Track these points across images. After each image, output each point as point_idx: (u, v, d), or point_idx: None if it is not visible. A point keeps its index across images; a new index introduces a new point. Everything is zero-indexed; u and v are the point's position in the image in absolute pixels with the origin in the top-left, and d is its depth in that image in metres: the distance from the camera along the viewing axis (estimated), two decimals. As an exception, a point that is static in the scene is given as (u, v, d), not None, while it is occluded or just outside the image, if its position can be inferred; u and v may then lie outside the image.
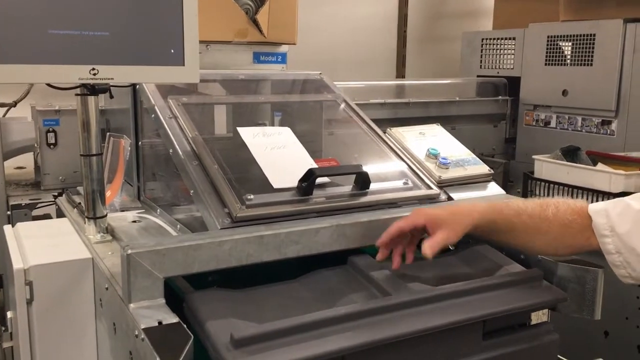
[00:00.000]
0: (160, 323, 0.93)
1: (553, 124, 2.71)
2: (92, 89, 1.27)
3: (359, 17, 3.52)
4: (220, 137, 1.63)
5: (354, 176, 1.31)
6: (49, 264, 1.19)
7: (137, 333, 0.93)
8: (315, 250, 1.16)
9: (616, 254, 1.10)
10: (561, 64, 2.65)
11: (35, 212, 1.90)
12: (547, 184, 2.31)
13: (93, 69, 1.16)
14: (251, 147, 1.33)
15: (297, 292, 1.14)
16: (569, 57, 2.63)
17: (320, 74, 1.81)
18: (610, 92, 2.43)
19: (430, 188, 1.37)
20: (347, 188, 1.30)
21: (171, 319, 0.95)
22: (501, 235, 1.18)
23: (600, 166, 2.23)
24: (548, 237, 1.15)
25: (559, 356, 1.26)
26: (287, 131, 1.43)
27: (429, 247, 1.09)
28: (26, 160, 2.15)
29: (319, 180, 1.25)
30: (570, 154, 2.35)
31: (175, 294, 1.11)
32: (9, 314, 1.32)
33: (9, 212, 1.85)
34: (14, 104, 2.04)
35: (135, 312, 0.97)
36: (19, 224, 1.44)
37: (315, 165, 1.31)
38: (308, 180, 1.23)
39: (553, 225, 1.13)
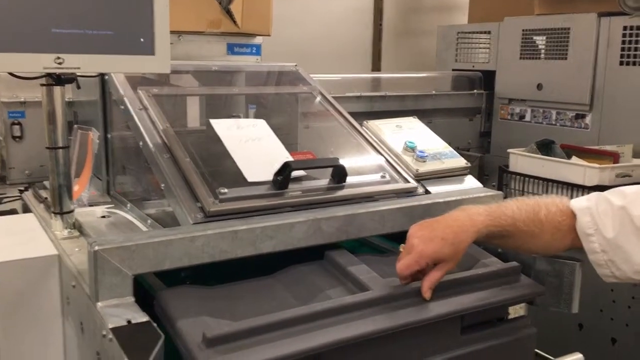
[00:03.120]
0: (129, 322, 0.90)
1: (528, 117, 2.72)
2: (57, 79, 1.22)
3: (334, 10, 3.49)
4: (193, 130, 1.58)
5: (330, 170, 1.28)
6: (13, 261, 1.14)
7: (104, 333, 0.89)
8: (291, 246, 1.13)
9: (601, 253, 1.08)
10: (536, 58, 2.66)
11: (1, 207, 1.83)
12: (522, 178, 2.32)
13: (58, 57, 1.11)
14: (225, 140, 1.29)
15: (272, 289, 1.11)
16: (543, 51, 2.63)
17: (296, 65, 1.78)
18: (584, 86, 2.45)
19: (408, 181, 1.36)
20: (323, 182, 1.28)
21: (141, 317, 0.91)
22: (494, 240, 1.16)
23: (574, 159, 2.24)
24: (540, 240, 1.13)
25: (536, 350, 1.25)
26: (261, 123, 1.39)
27: (428, 289, 1.06)
28: (-9, 154, 2.07)
29: (295, 173, 1.22)
30: (545, 148, 2.36)
31: (146, 291, 1.08)
32: (-29, 314, 1.27)
33: (-28, 208, 1.78)
34: (-22, 96, 1.96)
35: (103, 310, 0.94)
36: (-18, 220, 1.39)
37: (290, 158, 1.28)
38: (283, 174, 1.20)
39: (545, 228, 1.11)
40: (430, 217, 1.27)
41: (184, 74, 1.68)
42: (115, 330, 0.88)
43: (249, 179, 1.20)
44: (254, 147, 1.31)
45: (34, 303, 1.17)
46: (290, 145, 1.38)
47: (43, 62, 1.11)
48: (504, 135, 2.81)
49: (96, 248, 0.95)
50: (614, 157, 2.20)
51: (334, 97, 1.66)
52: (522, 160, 2.34)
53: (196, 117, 1.64)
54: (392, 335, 1.01)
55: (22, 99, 1.83)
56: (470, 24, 3.15)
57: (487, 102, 2.91)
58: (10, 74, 1.18)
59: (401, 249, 1.11)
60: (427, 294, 1.05)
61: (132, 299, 0.97)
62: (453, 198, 1.31)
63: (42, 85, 1.24)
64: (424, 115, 2.53)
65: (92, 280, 0.97)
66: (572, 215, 1.11)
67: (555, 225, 1.11)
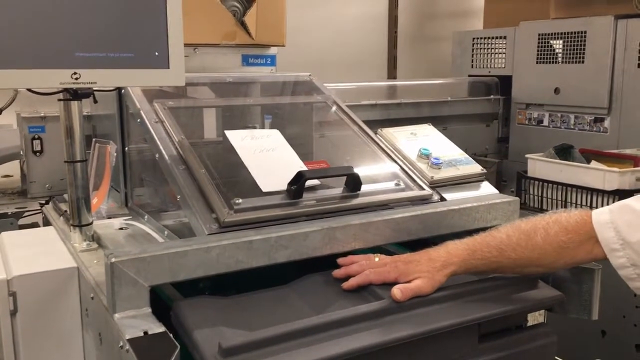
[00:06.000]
0: (145, 333, 0.90)
1: (545, 122, 2.70)
2: (74, 94, 1.24)
3: (349, 19, 3.50)
4: (208, 141, 1.60)
5: (344, 178, 1.28)
6: (33, 274, 1.16)
7: (121, 344, 0.90)
8: (306, 255, 1.13)
9: (631, 267, 1.03)
10: (553, 62, 2.64)
11: (22, 221, 1.86)
12: (540, 183, 2.30)
13: (75, 73, 1.13)
14: (239, 150, 1.30)
15: (287, 298, 1.11)
16: (560, 54, 2.62)
17: (310, 75, 1.79)
18: (602, 89, 2.42)
19: (423, 189, 1.35)
20: (337, 190, 1.28)
21: (157, 328, 0.92)
22: (484, 272, 1.14)
23: (593, 164, 2.22)
24: (543, 261, 1.10)
25: (556, 357, 1.24)
26: (276, 133, 1.40)
27: (399, 291, 1.04)
28: (12, 168, 2.11)
29: (309, 182, 1.22)
30: (564, 152, 2.34)
31: (164, 302, 1.09)
32: (-6, 326, 1.29)
33: (-6, 222, 1.81)
34: (-1, 112, 2.00)
35: (120, 322, 0.94)
36: (3, 234, 1.41)
37: (304, 168, 1.28)
38: (297, 183, 1.20)
39: (545, 251, 1.08)
40: (446, 224, 1.28)
41: (199, 86, 1.70)
42: (132, 341, 0.88)
43: (264, 189, 1.21)
44: (268, 157, 1.31)
45: (54, 315, 1.19)
46: (305, 155, 1.39)
47: (60, 78, 1.13)
48: (521, 141, 2.79)
49: (112, 260, 0.96)
50: (635, 161, 2.17)
51: (350, 106, 1.67)
52: (540, 166, 2.32)
53: (212, 128, 1.65)
54: (409, 343, 1.01)
55: (42, 114, 1.87)
56: (486, 29, 3.14)
57: (504, 107, 2.90)
58: (29, 89, 1.20)
59: (375, 258, 1.15)
60: (398, 293, 1.03)
61: (148, 310, 0.98)
62: (468, 205, 1.30)
63: (60, 100, 1.26)
64: (441, 121, 2.54)
65: (109, 291, 0.98)
66: (586, 230, 1.06)
67: (559, 245, 1.07)
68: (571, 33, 2.53)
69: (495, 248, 1.09)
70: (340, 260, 1.16)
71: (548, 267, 1.14)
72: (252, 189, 1.21)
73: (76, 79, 1.14)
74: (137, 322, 0.94)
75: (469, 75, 3.05)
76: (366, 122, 1.59)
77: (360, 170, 1.29)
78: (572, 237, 1.07)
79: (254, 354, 0.90)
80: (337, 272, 1.14)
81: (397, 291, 1.04)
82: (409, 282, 1.07)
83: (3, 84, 1.12)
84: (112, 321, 0.96)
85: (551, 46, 2.66)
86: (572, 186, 2.18)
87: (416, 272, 1.08)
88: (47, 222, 1.65)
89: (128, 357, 0.87)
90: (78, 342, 1.21)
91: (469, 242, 1.12)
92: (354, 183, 1.27)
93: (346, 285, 1.10)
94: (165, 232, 1.30)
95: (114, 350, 0.95)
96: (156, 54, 1.21)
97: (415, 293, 1.06)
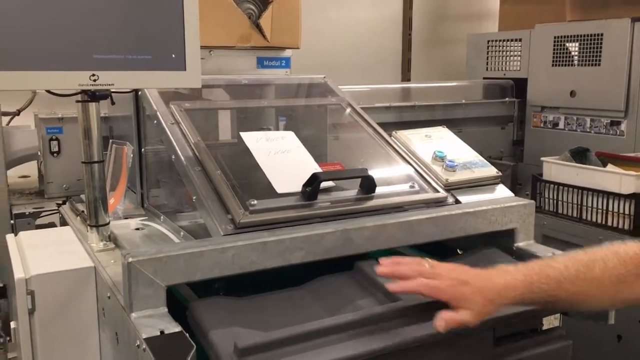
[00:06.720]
0: (162, 332, 0.92)
1: (561, 125, 2.68)
2: (92, 95, 1.26)
3: (363, 21, 3.50)
4: (224, 143, 1.61)
5: (359, 180, 1.28)
6: (51, 273, 1.18)
7: (138, 343, 0.91)
8: (320, 256, 1.13)
9: None
10: (568, 65, 2.62)
11: (40, 221, 1.89)
12: (556, 186, 2.28)
13: (93, 74, 1.15)
14: (254, 152, 1.31)
15: (302, 299, 1.12)
16: (576, 57, 2.60)
17: (325, 77, 1.80)
18: (618, 92, 2.40)
19: (437, 191, 1.35)
20: (352, 192, 1.28)
21: (173, 328, 0.93)
22: (541, 306, 1.06)
23: (610, 167, 2.20)
24: (600, 297, 1.02)
25: (572, 362, 1.23)
26: (290, 135, 1.41)
27: (444, 323, 0.95)
28: (30, 168, 2.14)
29: (324, 184, 1.23)
30: (580, 156, 2.32)
31: (179, 302, 1.10)
32: (12, 324, 1.30)
33: (12, 221, 1.84)
34: (18, 113, 2.03)
35: (137, 321, 0.95)
36: (21, 233, 1.43)
37: (319, 170, 1.29)
38: (312, 185, 1.21)
39: (604, 284, 1.00)
40: (461, 227, 1.27)
41: (215, 88, 1.71)
42: (148, 340, 0.89)
43: (278, 191, 1.22)
44: (283, 158, 1.32)
45: (71, 314, 1.20)
46: (319, 157, 1.39)
47: (78, 80, 1.14)
48: (537, 144, 2.77)
49: (130, 260, 0.97)
50: (651, 164, 2.15)
51: (363, 108, 1.67)
52: (556, 169, 2.31)
53: (227, 130, 1.66)
54: (423, 346, 1.01)
55: (60, 115, 1.89)
56: (501, 32, 3.13)
57: (520, 110, 2.88)
58: (48, 91, 1.22)
59: (426, 264, 1.04)
60: (441, 325, 0.95)
61: (165, 310, 0.99)
62: (483, 208, 1.30)
63: (78, 101, 1.28)
64: (455, 124, 2.53)
65: (126, 291, 0.99)
66: None
67: (617, 278, 0.99)
68: (587, 36, 2.51)
69: (554, 280, 1.00)
70: (383, 260, 1.06)
71: (606, 304, 1.07)
72: (267, 190, 1.22)
73: (94, 80, 1.15)
74: (154, 321, 0.95)
75: (484, 78, 3.03)
76: (380, 125, 1.60)
77: (375, 173, 1.29)
78: (630, 270, 0.99)
79: (269, 354, 0.91)
80: (381, 270, 1.04)
81: (441, 322, 0.96)
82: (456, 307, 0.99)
83: (22, 85, 1.14)
84: (128, 320, 0.97)
85: (567, 49, 2.64)
86: (588, 190, 2.16)
87: (470, 302, 0.98)
88: (64, 222, 1.67)
89: (145, 356, 0.88)
90: (94, 341, 1.22)
91: (527, 272, 1.02)
92: (368, 185, 1.27)
93: (393, 288, 1.02)
94: (181, 233, 1.31)
95: (131, 350, 0.96)
96: (173, 56, 1.22)
97: (459, 326, 0.97)
